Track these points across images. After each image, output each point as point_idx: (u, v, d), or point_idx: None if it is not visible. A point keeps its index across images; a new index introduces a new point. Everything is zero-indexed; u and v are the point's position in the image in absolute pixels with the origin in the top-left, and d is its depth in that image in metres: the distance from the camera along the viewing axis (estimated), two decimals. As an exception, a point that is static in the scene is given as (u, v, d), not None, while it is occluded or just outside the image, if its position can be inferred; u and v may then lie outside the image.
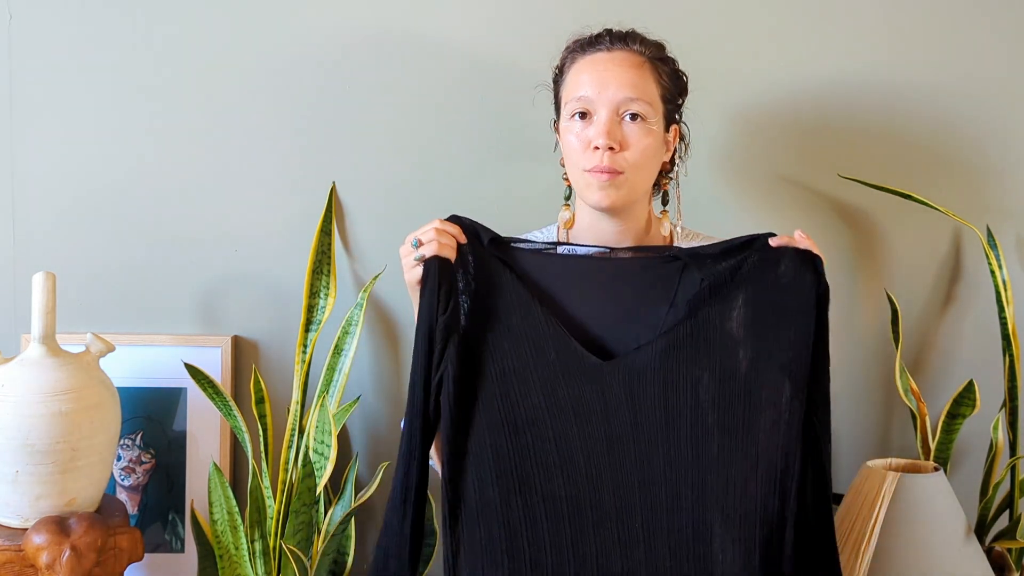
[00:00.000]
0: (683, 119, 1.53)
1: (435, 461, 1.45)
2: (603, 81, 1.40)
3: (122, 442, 1.81)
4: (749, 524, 1.28)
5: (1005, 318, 1.76)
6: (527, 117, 1.69)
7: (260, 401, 1.75)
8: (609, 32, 1.46)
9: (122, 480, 1.83)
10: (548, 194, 1.63)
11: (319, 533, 1.71)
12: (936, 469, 1.64)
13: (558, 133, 1.51)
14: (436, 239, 1.32)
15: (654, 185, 1.50)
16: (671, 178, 1.53)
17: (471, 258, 1.34)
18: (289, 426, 1.74)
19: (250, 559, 1.69)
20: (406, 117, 1.83)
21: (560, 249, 1.37)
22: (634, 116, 1.39)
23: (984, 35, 1.85)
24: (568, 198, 1.52)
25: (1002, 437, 1.77)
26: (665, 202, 1.53)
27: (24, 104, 1.81)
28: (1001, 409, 1.79)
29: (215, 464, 1.71)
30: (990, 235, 1.83)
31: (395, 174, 1.84)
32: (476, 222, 1.37)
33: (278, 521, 1.70)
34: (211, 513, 1.70)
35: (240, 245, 1.84)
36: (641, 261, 1.37)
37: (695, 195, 1.68)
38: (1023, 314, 1.85)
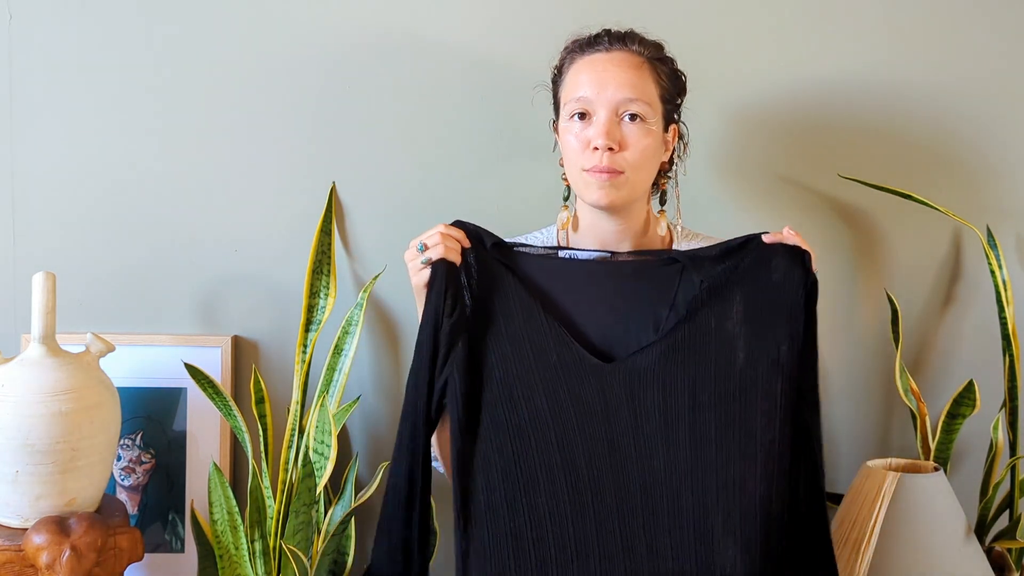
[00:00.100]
0: (682, 119, 1.53)
1: (437, 462, 1.45)
2: (602, 81, 1.40)
3: (122, 442, 1.81)
4: (749, 523, 1.29)
5: (1005, 318, 1.76)
6: (527, 117, 1.69)
7: (260, 401, 1.75)
8: (608, 32, 1.46)
9: (122, 480, 1.83)
10: (548, 194, 1.63)
11: (319, 533, 1.71)
12: (936, 469, 1.64)
13: (557, 133, 1.51)
14: (442, 243, 1.33)
15: (653, 184, 1.50)
16: (670, 177, 1.54)
17: (474, 262, 1.35)
18: (289, 426, 1.74)
19: (250, 559, 1.69)
20: (406, 117, 1.83)
21: (562, 253, 1.39)
22: (633, 116, 1.40)
23: (984, 35, 1.85)
24: (567, 199, 1.53)
25: (1002, 437, 1.77)
26: (663, 201, 1.53)
27: (24, 104, 1.81)
28: (1001, 409, 1.79)
29: (215, 464, 1.71)
30: (990, 235, 1.83)
31: (395, 174, 1.84)
32: (479, 226, 1.38)
33: (278, 521, 1.70)
34: (211, 513, 1.70)
35: (240, 245, 1.84)
36: (641, 264, 1.39)
37: (694, 195, 1.68)
38: (1023, 314, 1.85)
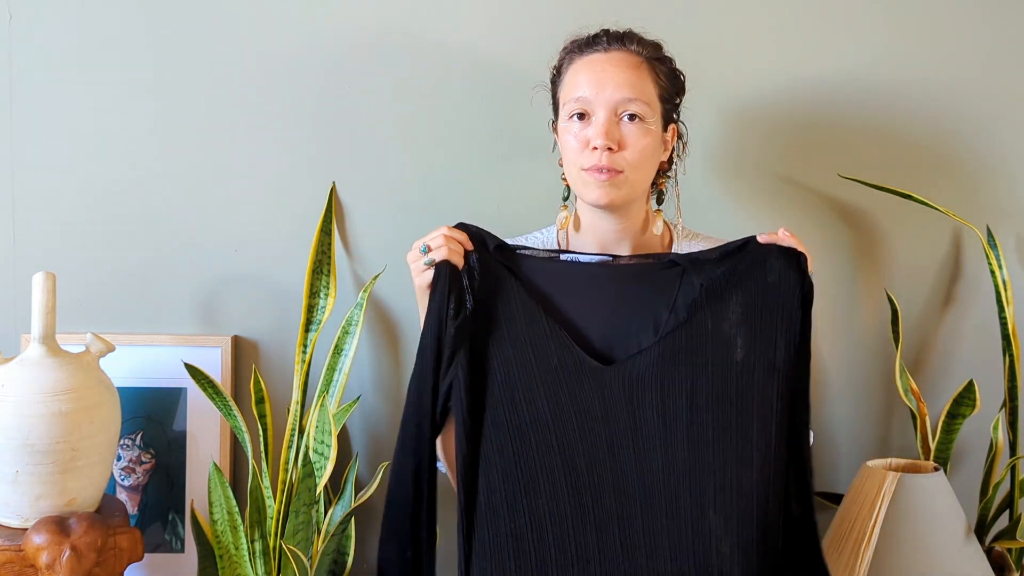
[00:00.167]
0: (681, 118, 1.53)
1: (440, 462, 1.45)
2: (601, 82, 1.40)
3: (122, 442, 1.81)
4: (747, 524, 1.29)
5: (1005, 318, 1.76)
6: (527, 117, 1.69)
7: (260, 401, 1.75)
8: (606, 32, 1.46)
9: (122, 480, 1.83)
10: (547, 194, 1.63)
11: (319, 533, 1.71)
12: (936, 469, 1.64)
13: (556, 133, 1.51)
14: (445, 245, 1.33)
15: (652, 184, 1.50)
16: (669, 176, 1.54)
17: (477, 265, 1.35)
18: (289, 426, 1.74)
19: (250, 559, 1.69)
20: (406, 117, 1.83)
21: (564, 256, 1.39)
22: (632, 116, 1.40)
23: (984, 35, 1.85)
24: (566, 199, 1.53)
25: (1002, 437, 1.77)
26: (660, 200, 1.53)
27: (24, 104, 1.81)
28: (1001, 409, 1.79)
29: (215, 464, 1.71)
30: (990, 235, 1.83)
31: (395, 174, 1.84)
32: (482, 229, 1.38)
33: (278, 521, 1.70)
34: (211, 513, 1.70)
35: (240, 245, 1.84)
36: (642, 267, 1.39)
37: (694, 194, 1.68)
38: (1023, 314, 1.85)
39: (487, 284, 1.35)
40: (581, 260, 1.39)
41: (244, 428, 1.73)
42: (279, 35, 1.81)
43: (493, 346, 1.33)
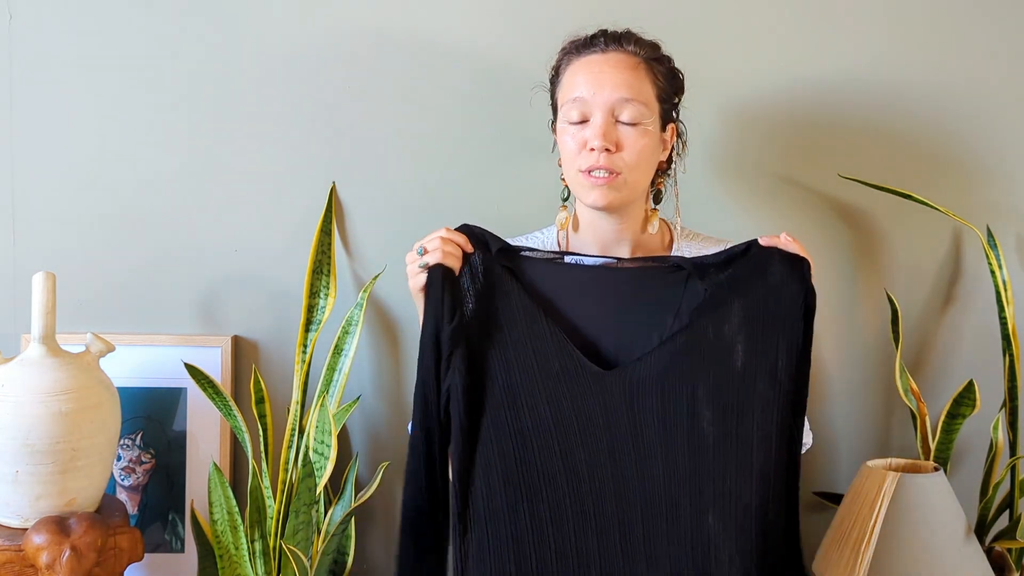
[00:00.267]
0: (680, 117, 1.53)
1: None
2: (598, 82, 1.40)
3: (122, 442, 1.81)
4: (745, 531, 1.29)
5: (1005, 318, 1.76)
6: (527, 117, 1.69)
7: (260, 401, 1.75)
8: (604, 33, 1.46)
9: (122, 480, 1.83)
10: (547, 194, 1.63)
11: (319, 533, 1.71)
12: (936, 469, 1.64)
13: (556, 134, 1.51)
14: (440, 247, 1.32)
15: (651, 183, 1.50)
16: (669, 175, 1.54)
17: (479, 267, 1.34)
18: (289, 426, 1.74)
19: (250, 559, 1.69)
20: (406, 117, 1.83)
21: (568, 259, 1.38)
22: (630, 117, 1.39)
23: (984, 35, 1.85)
24: (566, 199, 1.52)
25: (1002, 437, 1.77)
26: (658, 200, 1.53)
27: (24, 104, 1.81)
28: (1001, 409, 1.79)
29: (215, 464, 1.71)
30: (990, 235, 1.83)
31: (395, 174, 1.84)
32: (486, 230, 1.37)
33: (278, 521, 1.70)
34: (211, 513, 1.70)
35: (240, 245, 1.84)
36: (647, 271, 1.38)
37: (694, 194, 1.68)
38: (1023, 314, 1.85)
39: (488, 286, 1.34)
40: (585, 262, 1.38)
41: (244, 428, 1.73)
42: (279, 35, 1.81)
43: (495, 349, 1.32)
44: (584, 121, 1.41)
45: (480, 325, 1.32)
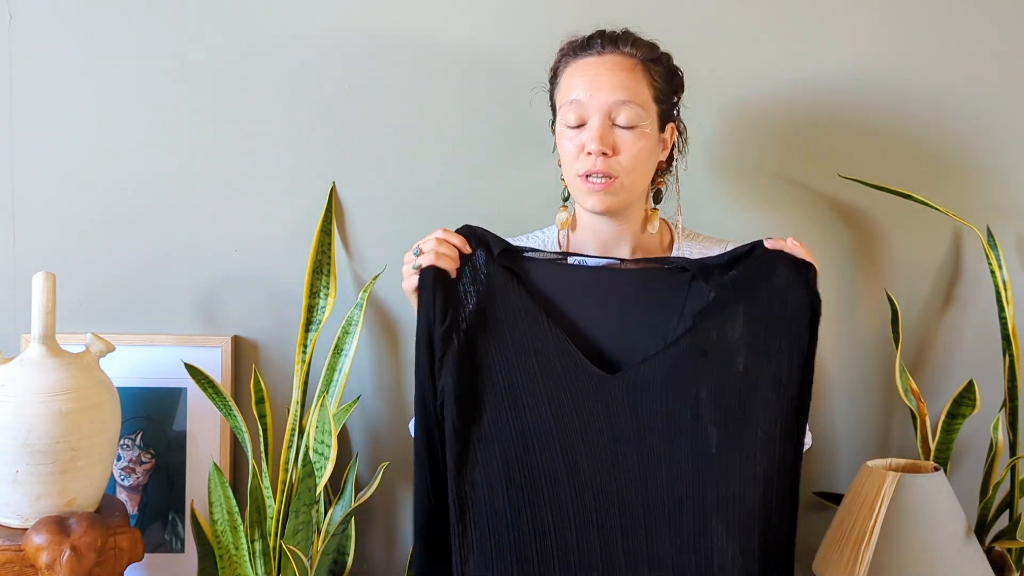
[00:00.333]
0: (681, 116, 1.52)
1: None
2: (594, 85, 1.40)
3: (122, 442, 1.81)
4: (749, 535, 1.29)
5: (1005, 318, 1.76)
6: (527, 117, 1.69)
7: (260, 401, 1.75)
8: (601, 34, 1.45)
9: (122, 480, 1.83)
10: (547, 194, 1.63)
11: (319, 533, 1.71)
12: (936, 469, 1.64)
13: (555, 135, 1.51)
14: (435, 249, 1.32)
15: (652, 182, 1.50)
16: (670, 173, 1.53)
17: (481, 268, 1.34)
18: (289, 426, 1.74)
19: (250, 559, 1.69)
20: (406, 117, 1.83)
21: (571, 260, 1.37)
22: (626, 120, 1.39)
23: (984, 35, 1.85)
24: (566, 199, 1.52)
25: (1002, 437, 1.77)
26: (658, 199, 1.53)
27: (24, 104, 1.81)
28: (1001, 409, 1.79)
29: (215, 464, 1.71)
30: (990, 235, 1.83)
31: (395, 174, 1.84)
32: (487, 231, 1.37)
33: (278, 521, 1.70)
34: (211, 513, 1.70)
35: (240, 245, 1.84)
36: (650, 272, 1.37)
37: (694, 194, 1.68)
38: (1023, 314, 1.85)
39: (491, 287, 1.34)
40: (588, 263, 1.37)
41: (244, 428, 1.73)
42: (279, 35, 1.81)
43: (496, 350, 1.31)
44: (581, 124, 1.41)
45: (481, 326, 1.32)
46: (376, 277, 1.80)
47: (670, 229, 1.55)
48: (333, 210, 1.82)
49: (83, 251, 1.83)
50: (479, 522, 1.29)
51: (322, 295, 1.78)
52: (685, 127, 1.55)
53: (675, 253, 1.53)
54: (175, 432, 1.83)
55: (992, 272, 1.77)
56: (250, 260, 1.84)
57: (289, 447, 1.73)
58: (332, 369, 1.76)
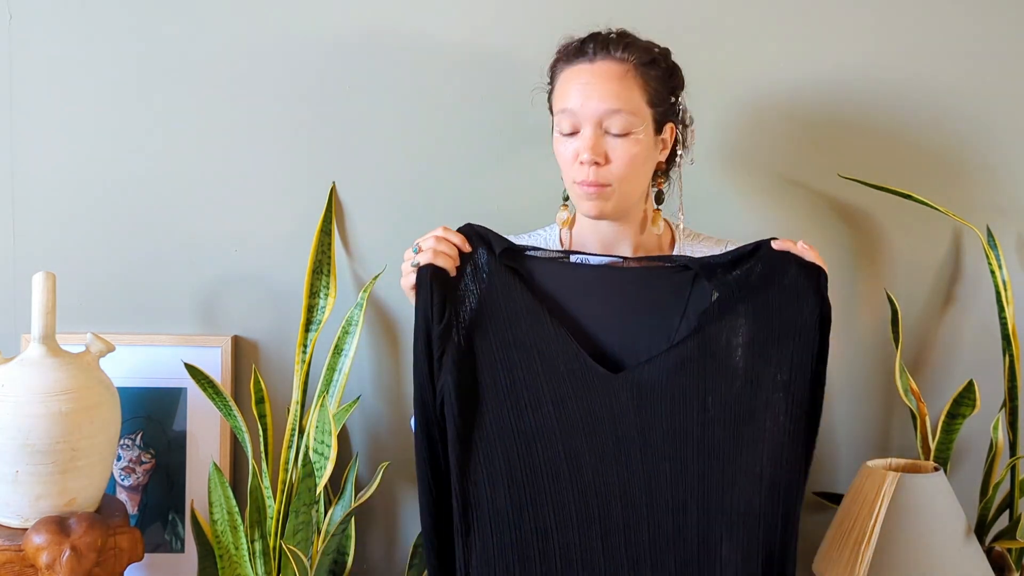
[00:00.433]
0: (686, 107, 1.51)
1: None
2: (586, 94, 1.39)
3: (122, 442, 1.81)
4: (754, 540, 1.28)
5: (1005, 318, 1.76)
6: (527, 116, 1.69)
7: (260, 401, 1.75)
8: (595, 38, 1.43)
9: (122, 480, 1.83)
10: (548, 193, 1.63)
11: (319, 533, 1.71)
12: (936, 469, 1.64)
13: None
14: (434, 247, 1.32)
15: (652, 182, 1.50)
16: (670, 175, 1.53)
17: (483, 266, 1.34)
18: (289, 426, 1.74)
19: (250, 559, 1.69)
20: (406, 117, 1.83)
21: (573, 258, 1.37)
22: (619, 128, 1.38)
23: (984, 35, 1.85)
24: (567, 199, 1.52)
25: (1002, 437, 1.77)
26: (660, 201, 1.52)
27: (24, 104, 1.81)
28: (1001, 409, 1.79)
29: (215, 464, 1.71)
30: (990, 235, 1.83)
31: (395, 174, 1.84)
32: (489, 230, 1.36)
33: (278, 521, 1.70)
34: (211, 513, 1.70)
35: (240, 245, 1.84)
36: (653, 271, 1.36)
37: (694, 194, 1.67)
38: (1023, 314, 1.85)
39: (492, 286, 1.33)
40: (591, 262, 1.37)
41: (244, 428, 1.73)
42: (279, 35, 1.81)
43: (497, 349, 1.31)
44: (575, 132, 1.41)
45: (483, 324, 1.32)
46: (376, 277, 1.80)
47: (672, 229, 1.55)
48: (333, 210, 1.82)
49: (83, 251, 1.83)
50: (481, 521, 1.29)
51: (322, 295, 1.78)
52: (692, 118, 1.53)
53: (677, 253, 1.53)
54: (175, 432, 1.83)
55: (992, 272, 1.77)
56: (250, 260, 1.84)
57: (289, 447, 1.73)
58: (332, 369, 1.76)
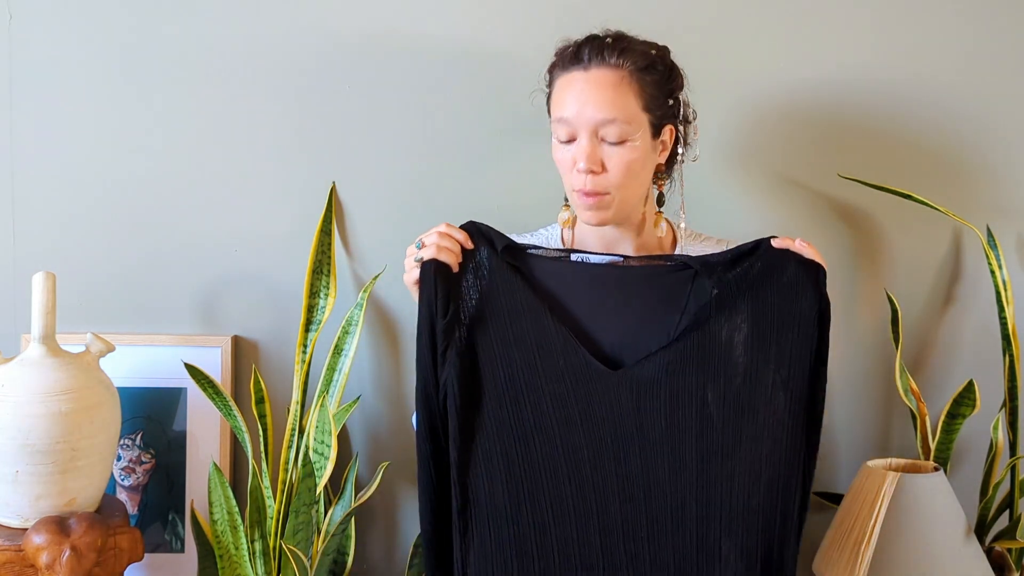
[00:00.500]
0: (688, 103, 1.50)
1: None
2: (581, 103, 1.38)
3: (122, 442, 1.81)
4: (752, 537, 1.29)
5: (1005, 318, 1.76)
6: (527, 116, 1.69)
7: (260, 401, 1.75)
8: (590, 43, 1.42)
9: (122, 480, 1.83)
10: (548, 193, 1.63)
11: (319, 533, 1.71)
12: (936, 469, 1.64)
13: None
14: (437, 242, 1.32)
15: (653, 183, 1.50)
16: (672, 177, 1.53)
17: (485, 264, 1.34)
18: (289, 426, 1.74)
19: (250, 559, 1.69)
20: (406, 117, 1.83)
21: (574, 256, 1.37)
22: (614, 136, 1.38)
23: (984, 35, 1.85)
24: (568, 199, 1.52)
25: (1002, 437, 1.77)
26: (661, 203, 1.52)
27: (24, 104, 1.81)
28: (1001, 409, 1.79)
29: (215, 464, 1.71)
30: (990, 235, 1.83)
31: (395, 174, 1.84)
32: (492, 228, 1.37)
33: (278, 521, 1.70)
34: (211, 513, 1.70)
35: (240, 245, 1.84)
36: (653, 269, 1.37)
37: (694, 194, 1.67)
38: (1023, 314, 1.85)
39: (494, 283, 1.34)
40: (591, 260, 1.37)
41: (244, 428, 1.73)
42: (279, 35, 1.81)
43: (498, 346, 1.32)
44: (571, 140, 1.41)
45: (484, 321, 1.32)
46: (376, 277, 1.80)
47: (673, 230, 1.55)
48: (333, 210, 1.82)
49: (83, 251, 1.83)
50: (479, 516, 1.30)
51: (322, 295, 1.78)
52: (695, 114, 1.53)
53: (678, 253, 1.53)
54: (175, 432, 1.83)
55: (992, 272, 1.77)
56: (250, 260, 1.84)
57: (289, 447, 1.73)
58: (332, 369, 1.76)
